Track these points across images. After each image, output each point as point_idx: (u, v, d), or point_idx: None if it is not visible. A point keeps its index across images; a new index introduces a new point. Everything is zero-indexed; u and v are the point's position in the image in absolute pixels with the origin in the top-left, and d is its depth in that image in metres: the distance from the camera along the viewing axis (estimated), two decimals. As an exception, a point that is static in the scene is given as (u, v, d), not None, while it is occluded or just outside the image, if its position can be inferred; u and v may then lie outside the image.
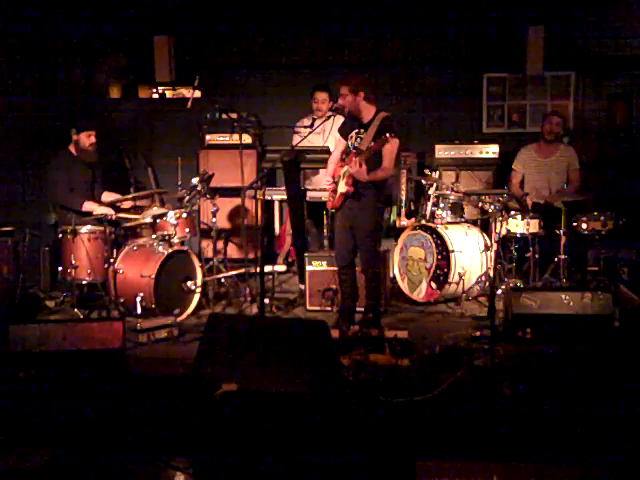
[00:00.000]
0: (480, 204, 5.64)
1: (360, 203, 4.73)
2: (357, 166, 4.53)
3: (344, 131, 4.91)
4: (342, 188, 4.74)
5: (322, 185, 5.43)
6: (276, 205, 7.05)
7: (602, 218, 5.46)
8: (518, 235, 5.61)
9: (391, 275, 5.77)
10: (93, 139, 5.72)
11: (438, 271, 5.59)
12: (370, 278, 4.87)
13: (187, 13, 7.21)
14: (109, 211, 5.39)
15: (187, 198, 5.64)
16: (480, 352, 4.19)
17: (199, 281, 5.40)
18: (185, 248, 5.52)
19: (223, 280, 5.81)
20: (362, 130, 4.74)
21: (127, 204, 5.79)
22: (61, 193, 5.59)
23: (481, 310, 5.37)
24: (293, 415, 3.34)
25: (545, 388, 3.65)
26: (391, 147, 4.63)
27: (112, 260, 5.19)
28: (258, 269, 4.64)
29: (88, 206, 5.53)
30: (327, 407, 3.41)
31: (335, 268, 5.09)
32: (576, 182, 6.04)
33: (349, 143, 4.82)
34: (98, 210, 5.42)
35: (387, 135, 4.44)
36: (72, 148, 5.73)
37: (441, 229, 5.62)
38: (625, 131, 7.32)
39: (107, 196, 5.83)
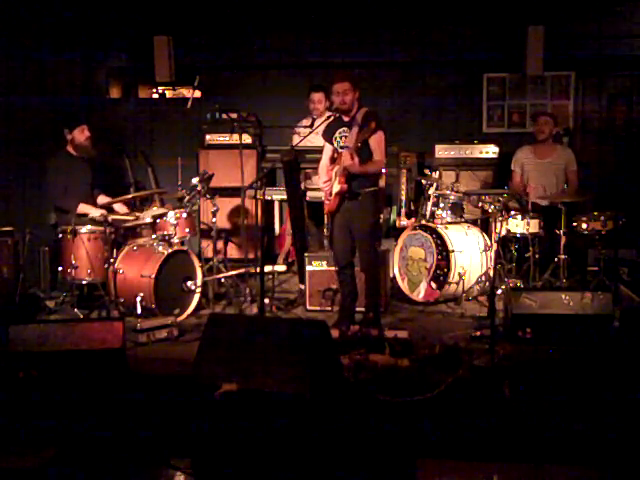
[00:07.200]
0: (480, 204, 5.64)
1: (357, 204, 4.72)
2: (349, 158, 4.54)
3: (328, 135, 4.89)
4: (336, 188, 4.73)
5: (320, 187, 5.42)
6: (276, 205, 7.06)
7: (602, 218, 5.44)
8: (518, 235, 5.61)
9: (391, 275, 5.77)
10: (87, 132, 5.71)
11: (438, 271, 5.59)
12: (369, 278, 4.86)
13: (187, 13, 7.21)
14: (103, 213, 5.36)
15: (187, 198, 5.64)
16: (480, 352, 4.19)
17: (199, 281, 5.40)
18: (185, 248, 5.51)
19: (223, 280, 5.80)
20: (346, 129, 4.74)
21: (122, 209, 5.78)
22: (56, 195, 5.60)
23: (481, 310, 5.37)
24: (293, 415, 3.34)
25: (545, 388, 3.65)
26: (377, 139, 4.64)
27: (112, 260, 5.19)
28: (258, 269, 4.64)
29: (83, 208, 5.53)
30: (327, 407, 3.41)
31: (335, 268, 5.09)
32: (574, 183, 6.01)
33: (335, 144, 4.83)
34: (93, 212, 5.44)
35: (372, 123, 4.48)
36: (70, 148, 5.73)
37: (441, 229, 5.61)
38: (625, 131, 7.32)
39: (102, 199, 5.81)
